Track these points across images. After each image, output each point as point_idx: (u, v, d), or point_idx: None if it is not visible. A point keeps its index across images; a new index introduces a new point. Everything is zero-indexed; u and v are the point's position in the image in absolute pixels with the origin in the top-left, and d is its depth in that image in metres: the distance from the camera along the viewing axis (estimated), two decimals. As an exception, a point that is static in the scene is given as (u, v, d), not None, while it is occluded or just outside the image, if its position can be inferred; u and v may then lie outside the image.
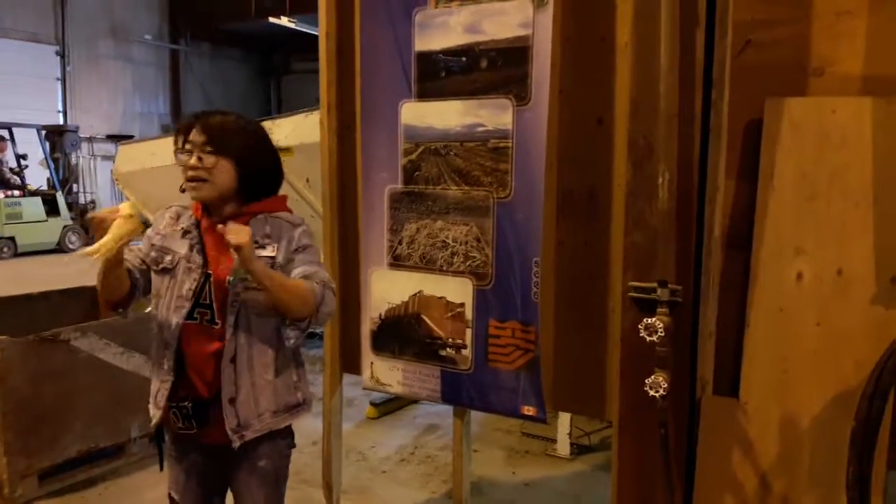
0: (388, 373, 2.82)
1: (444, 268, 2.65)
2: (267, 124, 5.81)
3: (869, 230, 1.97)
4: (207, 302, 1.85)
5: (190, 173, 1.82)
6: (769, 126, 2.07)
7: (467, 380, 2.62)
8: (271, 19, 15.02)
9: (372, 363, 2.85)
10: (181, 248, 1.89)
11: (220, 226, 1.75)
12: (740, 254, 2.15)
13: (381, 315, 2.81)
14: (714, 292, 2.17)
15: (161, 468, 2.04)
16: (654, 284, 2.15)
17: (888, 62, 2.00)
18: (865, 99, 1.99)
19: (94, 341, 3.54)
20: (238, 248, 1.65)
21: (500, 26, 2.43)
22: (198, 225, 1.91)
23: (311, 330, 1.89)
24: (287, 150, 5.65)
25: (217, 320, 1.84)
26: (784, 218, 2.06)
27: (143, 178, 6.09)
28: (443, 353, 2.66)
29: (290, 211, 1.98)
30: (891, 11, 2.00)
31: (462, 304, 2.62)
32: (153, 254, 1.92)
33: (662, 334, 2.07)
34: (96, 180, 14.36)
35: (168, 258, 1.88)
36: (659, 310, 2.13)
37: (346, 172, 3.01)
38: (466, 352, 2.61)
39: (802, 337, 2.05)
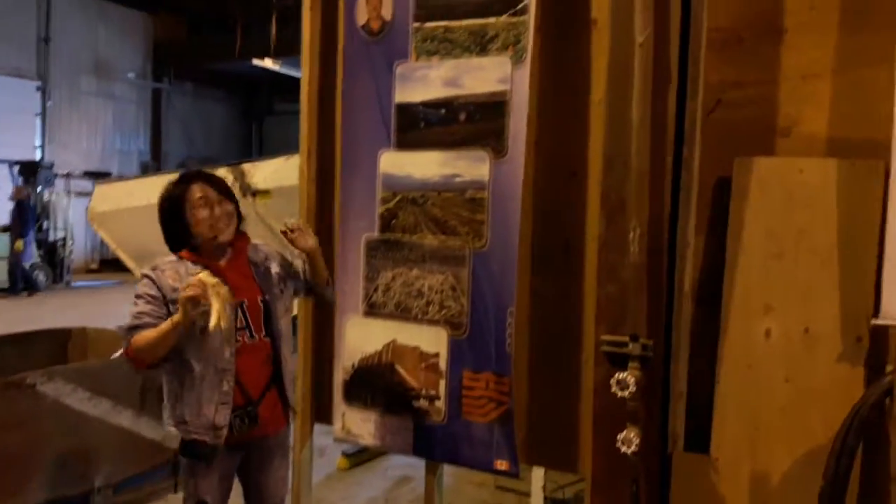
0: (360, 424, 2.78)
1: (419, 317, 2.65)
2: (246, 167, 5.87)
3: (835, 289, 2.01)
4: (244, 325, 2.24)
5: (215, 220, 2.21)
6: (738, 184, 2.12)
7: (440, 432, 2.59)
8: (255, 61, 15.14)
9: (344, 413, 2.81)
10: None
11: (289, 232, 2.34)
12: (710, 309, 2.18)
13: (354, 364, 2.78)
14: (685, 347, 2.19)
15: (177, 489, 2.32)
16: (626, 339, 2.17)
17: (852, 124, 2.07)
18: (831, 160, 2.05)
19: (60, 386, 3.46)
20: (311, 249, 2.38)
21: (479, 81, 2.48)
22: (206, 267, 2.18)
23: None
24: (266, 192, 5.67)
25: (255, 334, 2.25)
26: (752, 275, 2.09)
27: (120, 219, 6.05)
28: (416, 404, 2.64)
29: None
30: (854, 76, 2.07)
31: (436, 354, 2.61)
32: (177, 307, 2.09)
33: (634, 389, 2.07)
34: (70, 217, 14.16)
35: (202, 305, 2.02)
36: (631, 364, 2.14)
37: (323, 219, 3.01)
38: (440, 403, 2.59)
39: (772, 393, 2.07)
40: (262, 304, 2.27)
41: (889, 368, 1.96)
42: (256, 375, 2.26)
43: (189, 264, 2.21)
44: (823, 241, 2.04)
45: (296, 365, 2.53)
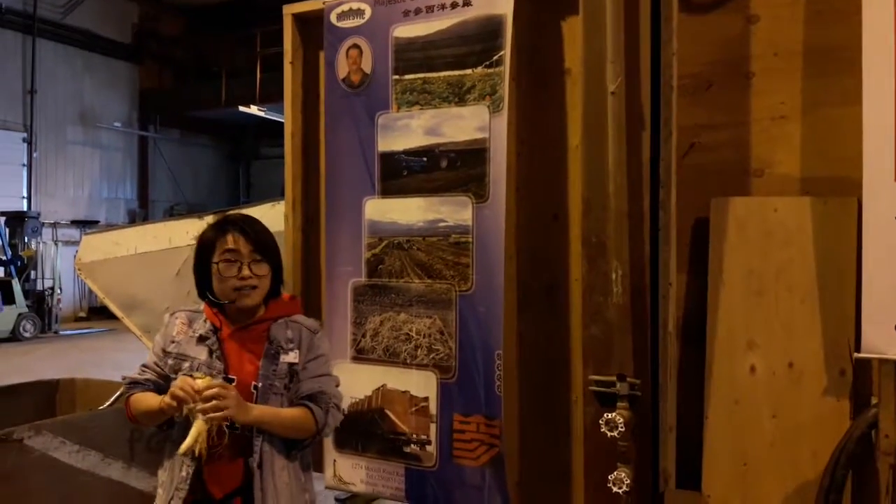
0: (350, 471, 2.77)
1: (408, 361, 2.66)
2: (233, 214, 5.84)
3: (817, 324, 2.04)
4: None
5: (239, 283, 1.88)
6: (716, 224, 2.17)
7: (432, 477, 2.59)
8: (241, 108, 15.30)
9: (335, 461, 2.80)
10: (200, 353, 1.91)
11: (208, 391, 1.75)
12: (695, 347, 2.20)
13: (343, 410, 2.77)
14: (672, 385, 2.21)
15: None
16: (614, 378, 2.18)
17: (822, 163, 2.13)
18: (804, 199, 2.10)
19: (48, 440, 3.41)
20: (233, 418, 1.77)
21: (459, 129, 2.54)
22: (215, 330, 1.93)
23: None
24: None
25: (238, 425, 1.84)
26: (734, 312, 2.13)
27: (107, 268, 6.02)
28: (407, 449, 2.63)
29: (304, 313, 2.06)
30: (820, 116, 2.14)
31: (426, 398, 2.61)
32: (170, 361, 1.94)
33: (623, 429, 2.08)
34: (58, 266, 14.13)
35: (186, 364, 1.89)
36: (619, 404, 2.15)
37: (310, 265, 3.04)
38: (431, 448, 2.59)
39: (759, 429, 2.08)
40: (253, 392, 1.88)
41: (874, 401, 1.98)
42: (225, 473, 1.87)
43: (203, 317, 1.96)
44: (802, 277, 2.08)
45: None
